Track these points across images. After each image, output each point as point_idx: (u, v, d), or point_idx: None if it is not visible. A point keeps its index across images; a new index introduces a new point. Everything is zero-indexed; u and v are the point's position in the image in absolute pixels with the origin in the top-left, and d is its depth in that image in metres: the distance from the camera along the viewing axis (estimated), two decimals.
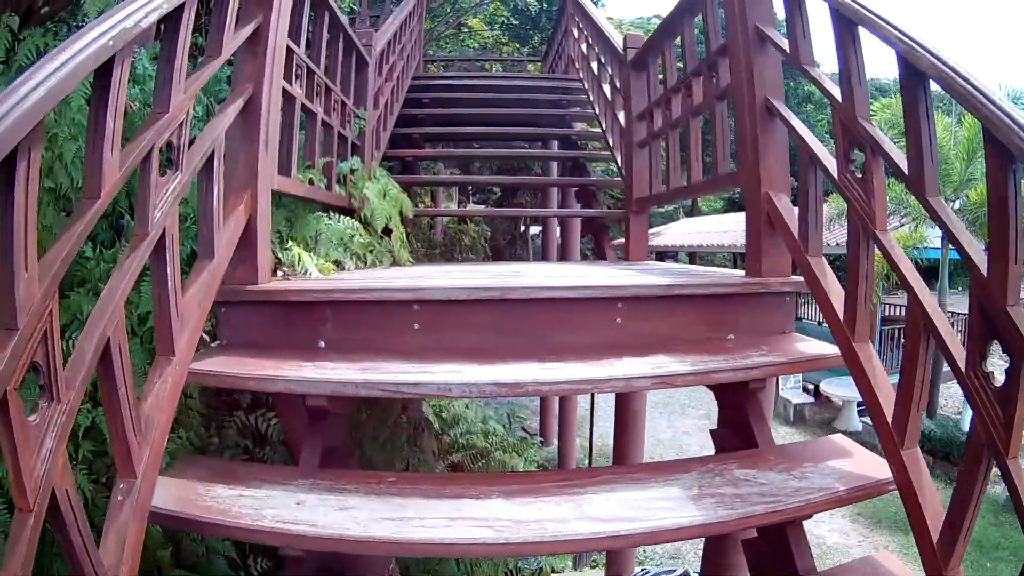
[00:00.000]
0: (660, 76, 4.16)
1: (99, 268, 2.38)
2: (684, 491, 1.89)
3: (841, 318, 2.01)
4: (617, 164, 4.92)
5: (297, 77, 2.78)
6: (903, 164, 1.81)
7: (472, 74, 7.24)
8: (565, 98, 6.87)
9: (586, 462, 9.00)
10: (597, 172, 6.87)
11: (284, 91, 2.60)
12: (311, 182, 3.02)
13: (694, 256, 21.21)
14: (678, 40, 3.74)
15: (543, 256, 9.16)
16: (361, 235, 3.35)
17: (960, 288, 20.83)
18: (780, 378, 12.28)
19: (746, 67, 2.66)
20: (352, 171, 3.70)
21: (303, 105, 2.87)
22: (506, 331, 2.29)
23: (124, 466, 1.51)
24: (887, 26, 1.81)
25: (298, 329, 2.30)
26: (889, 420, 1.75)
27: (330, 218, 3.30)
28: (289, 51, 2.61)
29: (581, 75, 6.56)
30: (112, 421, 1.50)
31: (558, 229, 8.85)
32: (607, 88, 5.31)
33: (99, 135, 1.42)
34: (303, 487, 1.89)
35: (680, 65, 3.71)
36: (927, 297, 1.76)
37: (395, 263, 3.80)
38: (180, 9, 1.67)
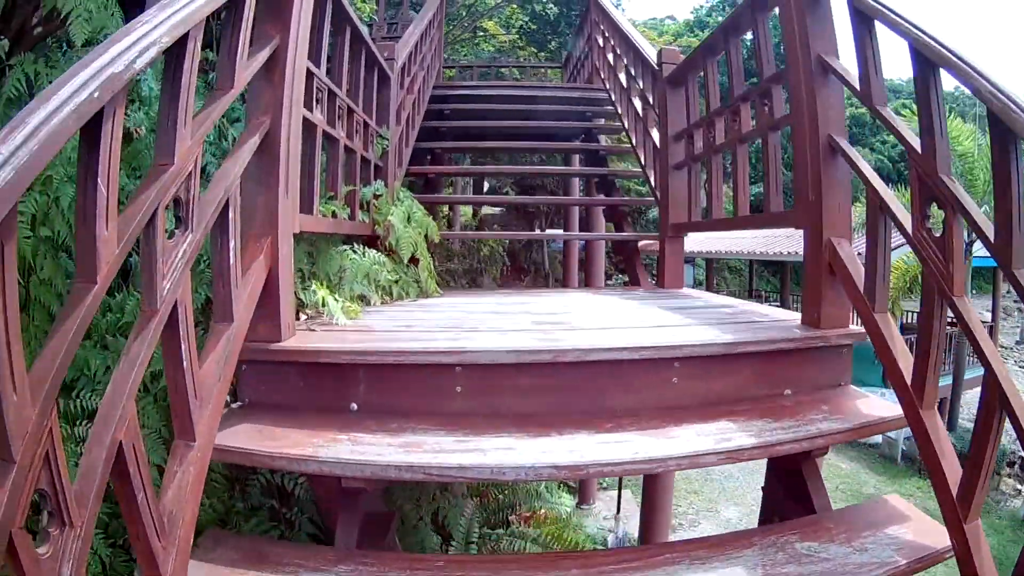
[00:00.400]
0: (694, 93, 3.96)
1: (105, 320, 2.15)
2: (748, 571, 1.77)
3: (908, 382, 1.87)
4: (650, 184, 4.67)
5: (318, 102, 2.54)
6: (989, 230, 1.64)
7: (493, 83, 6.99)
8: (590, 110, 6.62)
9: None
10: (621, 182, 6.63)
11: (304, 120, 2.38)
12: (334, 214, 2.79)
13: (711, 262, 20.93)
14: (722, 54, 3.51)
15: (564, 275, 8.86)
16: (387, 269, 3.13)
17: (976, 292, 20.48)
18: None
19: (808, 101, 2.44)
20: (376, 196, 3.47)
21: (325, 132, 2.64)
22: (557, 394, 2.07)
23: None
24: (971, 71, 1.66)
25: (328, 390, 2.08)
26: (954, 493, 1.67)
27: (355, 250, 3.08)
28: (309, 74, 2.38)
29: (607, 86, 6.30)
30: (132, 526, 1.30)
31: (579, 237, 8.63)
32: (638, 102, 5.06)
33: (90, 205, 1.19)
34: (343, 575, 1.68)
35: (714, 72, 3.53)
36: (1006, 376, 1.59)
37: (422, 293, 3.58)
38: (183, 42, 1.44)
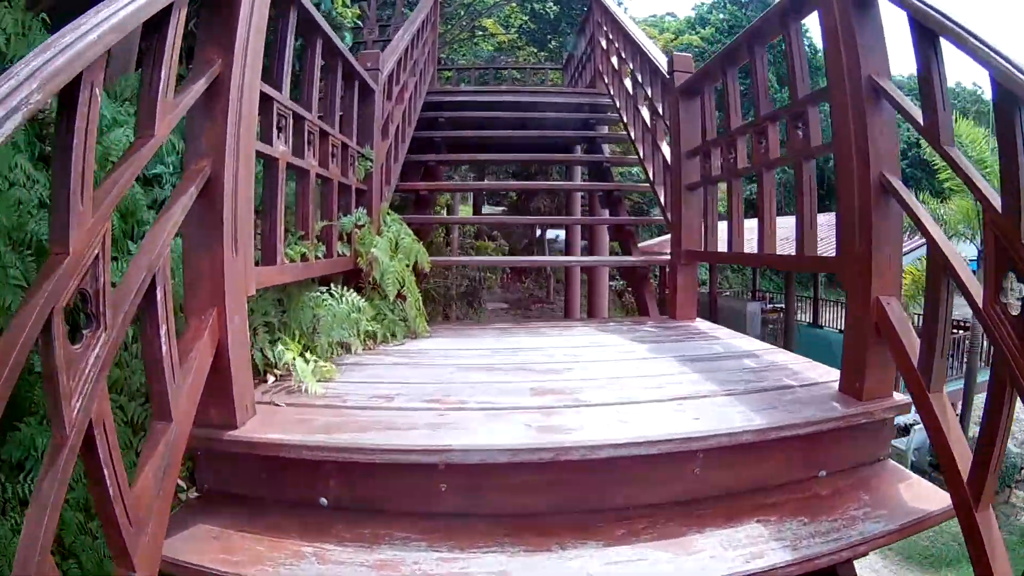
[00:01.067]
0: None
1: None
2: None
3: (964, 479, 1.58)
4: (659, 203, 4.28)
5: (280, 130, 2.17)
6: None
7: (491, 89, 6.57)
8: (594, 117, 6.23)
9: None
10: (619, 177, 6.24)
11: (262, 155, 2.01)
12: (304, 257, 2.41)
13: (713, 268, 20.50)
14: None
15: (566, 295, 8.44)
16: (367, 315, 2.76)
17: None
18: None
19: (856, 131, 2.07)
20: (358, 226, 3.10)
21: (290, 164, 2.26)
22: (559, 490, 1.72)
23: None
24: None
25: (294, 484, 1.76)
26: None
27: (332, 294, 2.72)
28: (267, 99, 2.01)
29: (611, 91, 5.91)
30: None
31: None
32: (646, 112, 4.67)
33: None
34: None
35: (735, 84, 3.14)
36: None
37: (409, 332, 3.21)
38: (74, 87, 1.07)
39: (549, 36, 12.09)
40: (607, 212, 5.92)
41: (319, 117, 2.59)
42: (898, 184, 1.99)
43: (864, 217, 2.03)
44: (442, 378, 2.41)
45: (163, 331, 1.41)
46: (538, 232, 21.79)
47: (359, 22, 4.16)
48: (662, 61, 4.10)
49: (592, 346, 3.11)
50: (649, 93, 4.48)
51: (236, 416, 1.73)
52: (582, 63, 7.60)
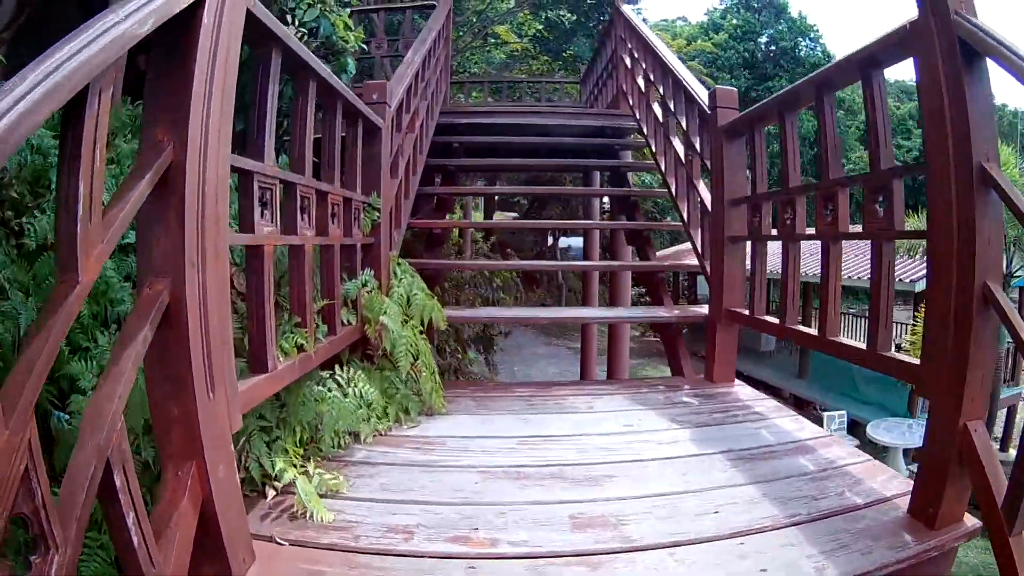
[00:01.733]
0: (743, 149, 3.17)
1: None
2: None
3: None
4: (695, 248, 3.88)
5: (264, 206, 1.78)
6: None
7: (507, 109, 6.14)
8: (617, 142, 5.82)
9: None
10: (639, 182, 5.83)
11: (240, 242, 1.62)
12: (301, 348, 2.02)
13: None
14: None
15: (584, 294, 7.86)
16: (378, 387, 2.40)
17: None
18: (824, 417, 11.32)
19: (960, 227, 1.69)
20: (364, 289, 2.72)
21: (280, 245, 1.88)
22: None
23: None
24: None
25: None
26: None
27: (338, 379, 2.35)
28: (245, 174, 1.62)
29: (637, 115, 5.50)
30: None
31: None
32: (679, 144, 4.28)
33: None
34: None
35: (794, 132, 2.72)
36: None
37: (425, 408, 2.83)
38: None
39: (565, 46, 11.66)
40: (630, 249, 5.55)
41: (314, 165, 2.20)
42: (1000, 295, 1.62)
43: (961, 331, 1.67)
44: (466, 492, 2.03)
45: (130, 520, 1.07)
46: (550, 240, 21.39)
47: (363, 45, 3.76)
48: (702, 94, 3.70)
49: (628, 432, 2.71)
50: (684, 124, 4.08)
51: (232, 570, 1.38)
52: (602, 79, 7.18)
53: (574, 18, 10.85)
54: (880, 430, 12.03)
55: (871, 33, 2.16)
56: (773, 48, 32.72)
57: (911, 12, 1.86)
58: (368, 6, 6.62)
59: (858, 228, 2.34)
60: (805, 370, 15.48)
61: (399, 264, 3.36)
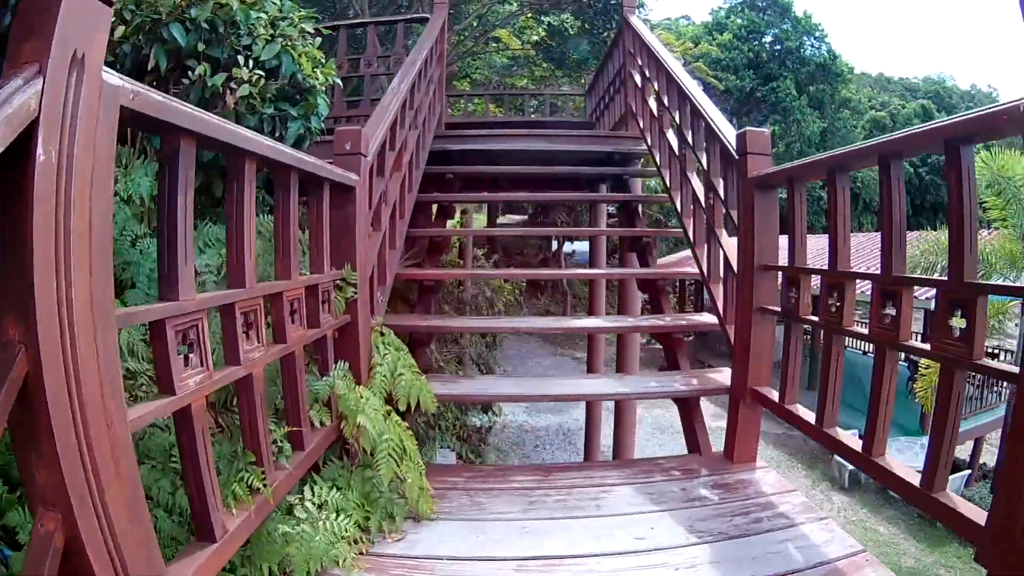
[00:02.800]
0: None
1: None
2: None
3: None
4: (715, 306, 3.36)
5: (191, 348, 1.30)
6: None
7: (506, 133, 5.54)
8: (627, 172, 5.29)
9: None
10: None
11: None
12: (257, 491, 1.54)
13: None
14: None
15: (590, 304, 7.27)
16: (358, 503, 1.95)
17: None
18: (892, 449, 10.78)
19: None
20: (336, 392, 2.24)
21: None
22: None
23: None
24: None
25: None
26: None
27: (308, 505, 1.89)
28: (158, 325, 1.15)
29: (648, 139, 4.96)
30: None
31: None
32: (697, 183, 3.76)
33: None
34: None
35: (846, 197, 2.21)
36: None
37: (412, 513, 2.36)
38: None
39: (569, 54, 11.07)
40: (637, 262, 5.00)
41: (270, 242, 1.71)
42: None
43: None
44: None
45: None
46: (554, 245, 20.82)
47: (336, 79, 3.24)
48: (727, 132, 3.18)
49: (641, 552, 2.23)
50: (704, 163, 3.56)
51: None
52: (609, 93, 6.64)
53: (579, 23, 10.27)
54: (892, 451, 11.46)
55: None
56: (778, 48, 32.03)
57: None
58: (357, 20, 6.09)
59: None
60: (814, 379, 14.96)
61: (382, 336, 2.87)
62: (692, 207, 3.82)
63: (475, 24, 11.96)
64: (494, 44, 13.11)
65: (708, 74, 23.31)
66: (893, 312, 1.93)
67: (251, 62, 2.60)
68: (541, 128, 7.10)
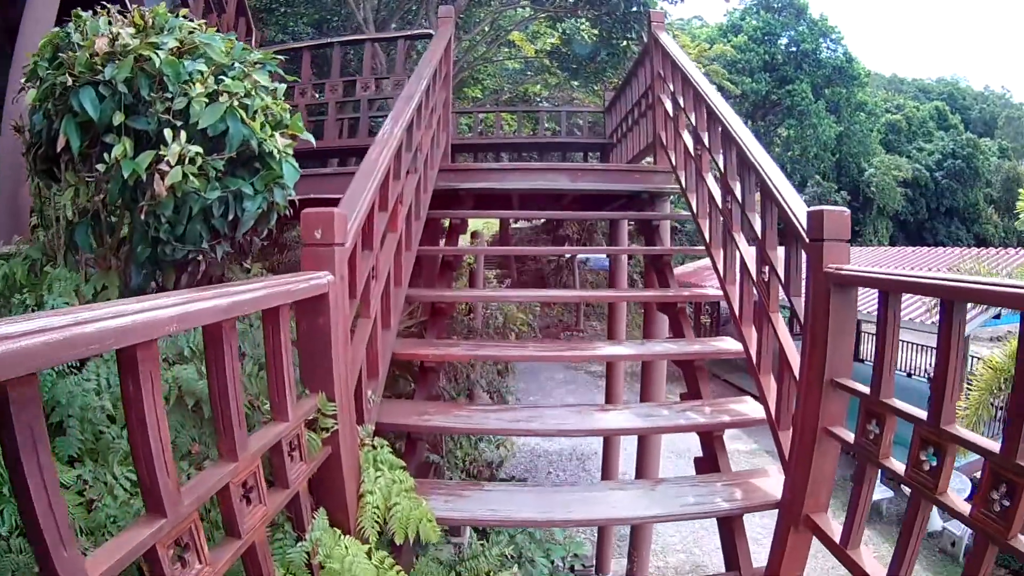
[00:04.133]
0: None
1: None
2: None
3: None
4: (767, 410, 2.72)
5: None
6: None
7: (521, 167, 4.79)
8: (655, 217, 4.62)
9: None
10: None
11: None
12: None
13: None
14: None
15: (609, 330, 6.61)
16: None
17: None
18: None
19: None
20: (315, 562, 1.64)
21: None
22: None
23: None
24: None
25: None
26: None
27: None
28: None
29: (681, 180, 4.30)
30: None
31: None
32: (747, 251, 3.11)
33: None
34: None
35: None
36: None
37: None
38: None
39: (585, 64, 10.33)
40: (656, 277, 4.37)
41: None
42: None
43: None
44: None
45: None
46: (567, 255, 20.13)
47: (309, 136, 2.60)
48: (793, 204, 2.52)
49: None
50: (758, 230, 2.92)
51: None
52: (633, 116, 5.96)
53: (597, 33, 9.54)
54: None
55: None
56: (793, 50, 31.02)
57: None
58: (353, 36, 5.46)
59: None
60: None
61: (374, 450, 2.26)
62: (740, 276, 3.16)
63: (487, 29, 11.28)
64: (507, 49, 12.41)
65: (724, 77, 22.47)
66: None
67: (186, 135, 1.96)
68: (557, 151, 6.44)
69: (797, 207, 2.48)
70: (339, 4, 9.45)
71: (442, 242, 4.61)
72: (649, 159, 5.44)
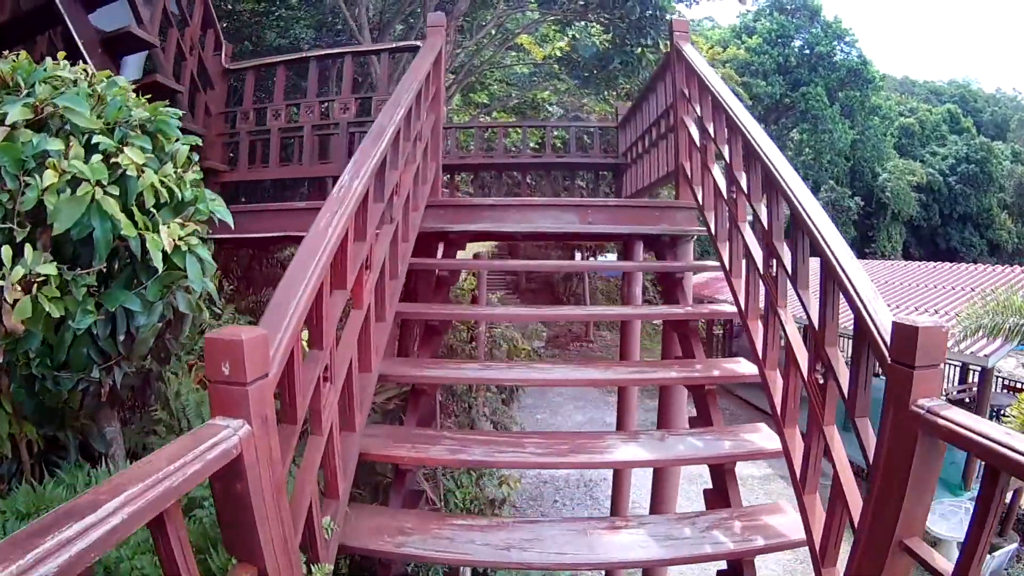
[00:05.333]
0: None
1: None
2: None
3: None
4: (794, 475, 2.01)
5: None
6: None
7: (524, 203, 3.94)
8: (676, 268, 3.87)
9: None
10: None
11: None
12: None
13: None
14: None
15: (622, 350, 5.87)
16: None
17: None
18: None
19: None
20: None
21: None
22: None
23: None
24: None
25: None
26: None
27: None
28: None
29: (711, 225, 3.57)
30: None
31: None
32: (800, 351, 2.39)
33: None
34: None
35: None
36: None
37: None
38: None
39: (596, 72, 9.54)
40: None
41: None
42: None
43: None
44: None
45: None
46: (577, 257, 19.32)
47: (227, 216, 1.89)
48: (883, 323, 1.77)
49: None
50: (813, 318, 2.19)
51: None
52: (651, 137, 5.22)
53: (609, 38, 8.75)
54: (935, 517, 9.85)
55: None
56: (807, 52, 30.00)
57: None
58: (329, 50, 4.76)
59: None
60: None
61: None
62: (789, 371, 2.43)
63: (494, 32, 10.52)
64: (514, 53, 11.65)
65: (738, 81, 21.61)
66: None
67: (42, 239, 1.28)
68: (565, 170, 5.70)
69: (883, 329, 1.73)
70: (339, 6, 8.74)
71: (439, 254, 3.97)
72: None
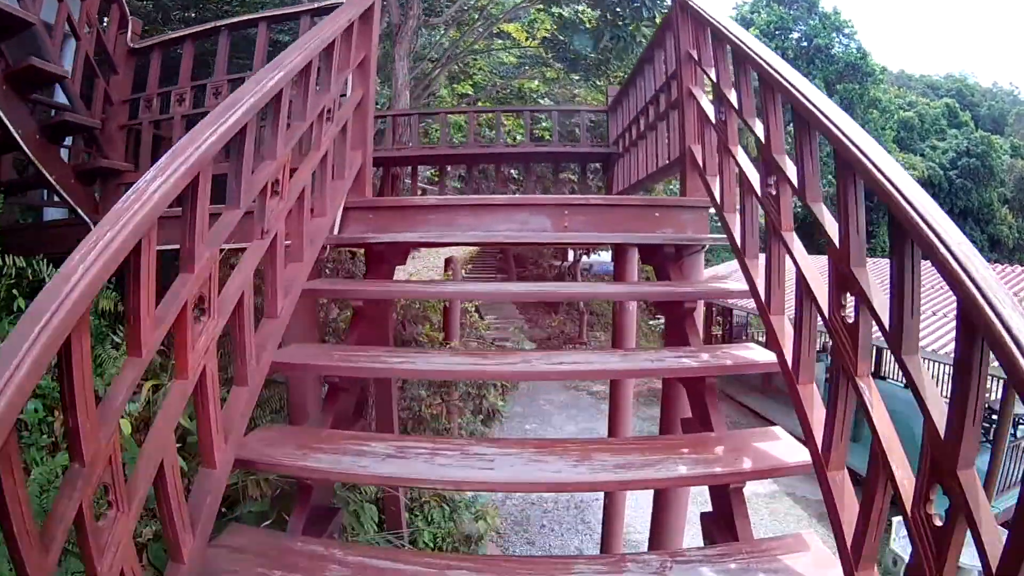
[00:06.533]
0: None
1: None
2: None
3: None
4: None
5: None
6: None
7: (475, 201, 2.91)
8: (689, 293, 2.80)
9: None
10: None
11: None
12: None
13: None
14: None
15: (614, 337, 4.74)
16: None
17: None
18: (894, 528, 8.51)
19: None
20: None
21: None
22: None
23: None
24: None
25: None
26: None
27: None
28: None
29: (734, 232, 2.52)
30: None
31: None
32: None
33: None
34: None
35: None
36: None
37: None
38: None
39: (585, 54, 8.42)
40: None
41: None
42: None
43: None
44: None
45: None
46: (570, 256, 18.23)
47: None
48: None
49: None
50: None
51: None
52: (648, 120, 4.17)
53: (597, 15, 7.65)
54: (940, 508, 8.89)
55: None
56: (806, 45, 28.89)
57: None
58: (240, 18, 3.71)
59: None
60: (860, 432, 12.43)
61: None
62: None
63: (476, 17, 9.44)
64: (500, 41, 10.56)
65: None
66: None
67: None
68: (548, 162, 4.63)
69: None
70: None
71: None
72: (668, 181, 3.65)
